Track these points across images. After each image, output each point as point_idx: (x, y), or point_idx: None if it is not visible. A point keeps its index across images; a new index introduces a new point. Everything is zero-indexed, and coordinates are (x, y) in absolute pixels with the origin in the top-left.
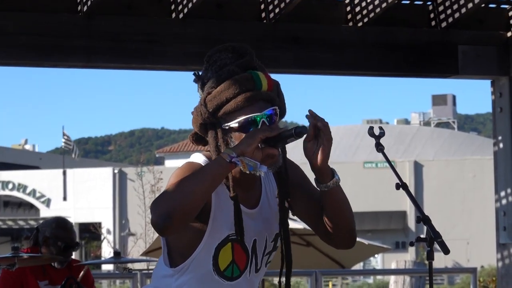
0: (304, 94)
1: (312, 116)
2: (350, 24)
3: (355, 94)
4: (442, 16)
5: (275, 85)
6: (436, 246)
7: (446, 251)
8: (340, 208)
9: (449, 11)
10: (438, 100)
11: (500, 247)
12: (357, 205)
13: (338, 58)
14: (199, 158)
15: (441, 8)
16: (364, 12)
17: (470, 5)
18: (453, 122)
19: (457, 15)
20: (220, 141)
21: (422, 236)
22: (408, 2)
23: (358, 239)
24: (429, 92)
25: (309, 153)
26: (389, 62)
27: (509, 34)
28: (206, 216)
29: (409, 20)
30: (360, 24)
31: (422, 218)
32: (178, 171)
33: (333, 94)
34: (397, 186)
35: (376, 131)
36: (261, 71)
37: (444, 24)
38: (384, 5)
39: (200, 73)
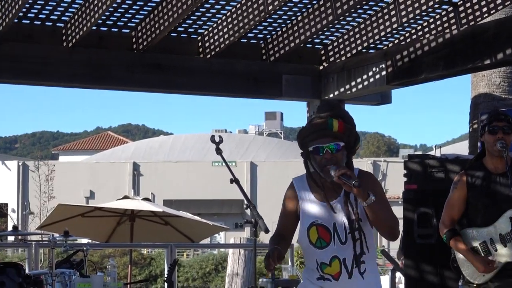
0: (168, 106)
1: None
2: (201, 56)
3: (207, 109)
4: (271, 52)
5: (346, 129)
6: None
7: (266, 230)
8: (378, 217)
9: (276, 49)
10: (270, 115)
11: None
12: (206, 194)
13: (191, 81)
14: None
15: (270, 46)
16: (212, 47)
17: (292, 44)
18: (281, 133)
19: (282, 51)
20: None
21: (248, 219)
22: (245, 40)
23: (204, 220)
24: (263, 109)
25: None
26: (230, 86)
27: (320, 67)
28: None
29: (245, 54)
30: (208, 56)
31: (248, 205)
32: None
33: (188, 109)
34: (231, 181)
35: (217, 139)
36: (338, 119)
37: (272, 58)
38: (227, 42)
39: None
